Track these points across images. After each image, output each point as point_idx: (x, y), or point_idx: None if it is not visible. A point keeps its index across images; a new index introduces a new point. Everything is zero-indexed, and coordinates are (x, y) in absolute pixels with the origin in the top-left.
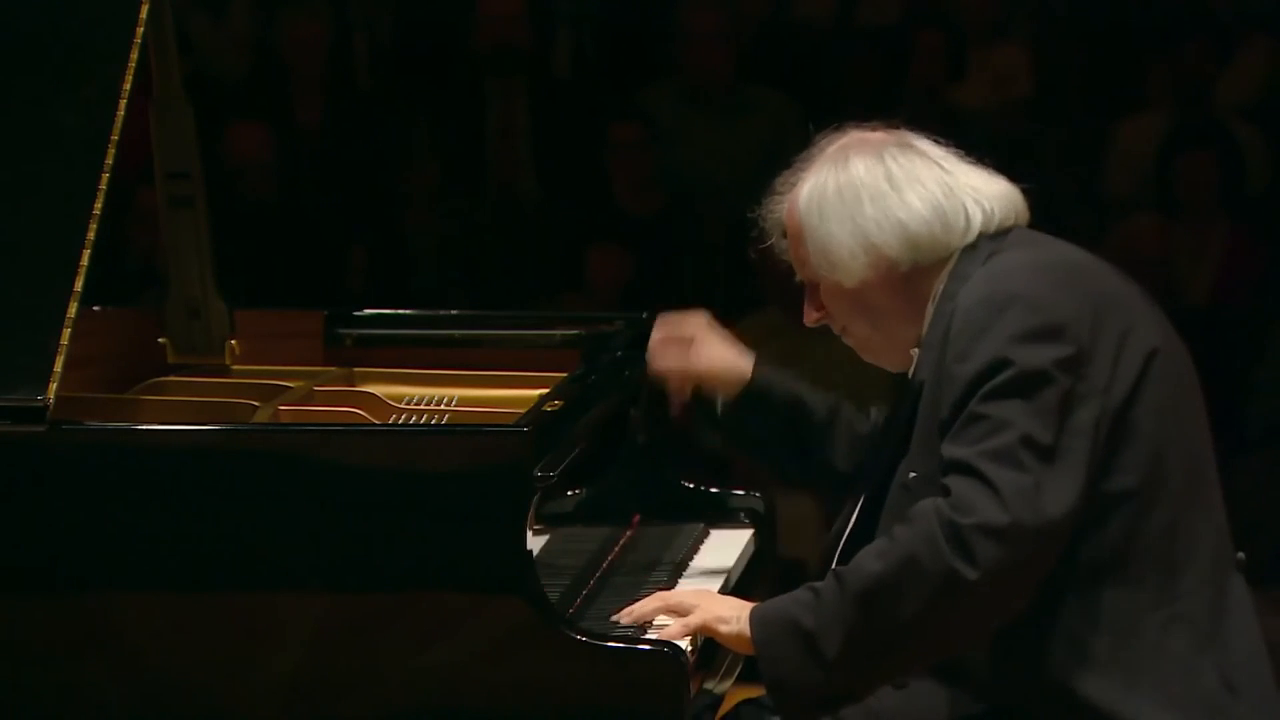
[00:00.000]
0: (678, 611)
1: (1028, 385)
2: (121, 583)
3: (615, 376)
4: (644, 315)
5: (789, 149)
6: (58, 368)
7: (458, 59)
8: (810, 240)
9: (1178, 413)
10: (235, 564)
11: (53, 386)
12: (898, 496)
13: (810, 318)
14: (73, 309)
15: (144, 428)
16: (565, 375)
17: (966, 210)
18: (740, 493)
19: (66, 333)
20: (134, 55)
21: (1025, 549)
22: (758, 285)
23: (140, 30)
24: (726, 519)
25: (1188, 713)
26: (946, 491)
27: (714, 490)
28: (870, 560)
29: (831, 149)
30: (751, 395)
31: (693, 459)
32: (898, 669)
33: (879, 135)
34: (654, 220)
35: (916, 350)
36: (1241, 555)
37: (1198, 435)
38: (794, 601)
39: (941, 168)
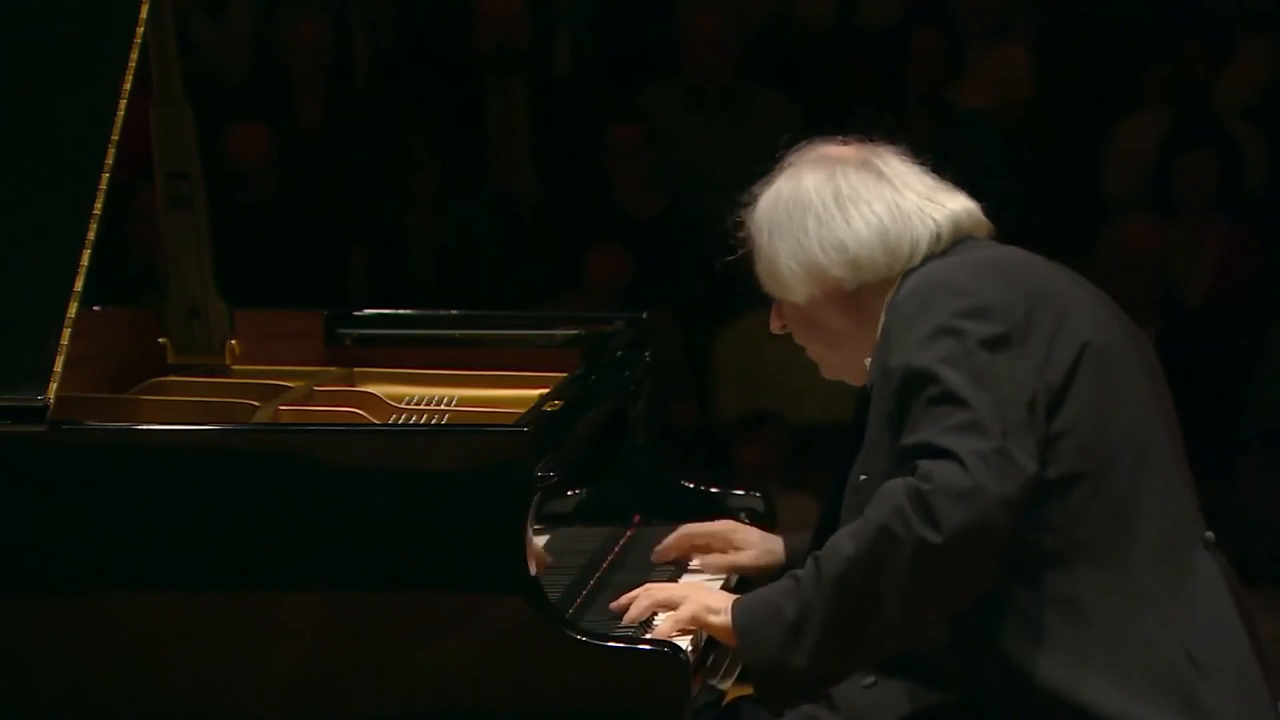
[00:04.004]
0: (668, 606)
1: (968, 364)
2: (122, 583)
3: (615, 376)
4: (644, 315)
5: (789, 149)
6: (58, 368)
7: (458, 59)
8: (759, 255)
9: (1116, 402)
10: (235, 564)
11: (53, 386)
12: (850, 499)
13: (775, 325)
14: (73, 309)
15: (144, 428)
16: (565, 375)
17: (913, 234)
18: (740, 493)
19: (66, 333)
20: (134, 55)
21: (988, 510)
22: (758, 286)
23: (140, 30)
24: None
25: (1149, 692)
26: (914, 468)
27: (714, 490)
28: (844, 541)
29: (793, 162)
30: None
31: (693, 459)
32: (876, 649)
33: (840, 150)
34: (654, 220)
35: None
36: (1210, 535)
37: (1145, 420)
38: (776, 590)
39: (894, 187)
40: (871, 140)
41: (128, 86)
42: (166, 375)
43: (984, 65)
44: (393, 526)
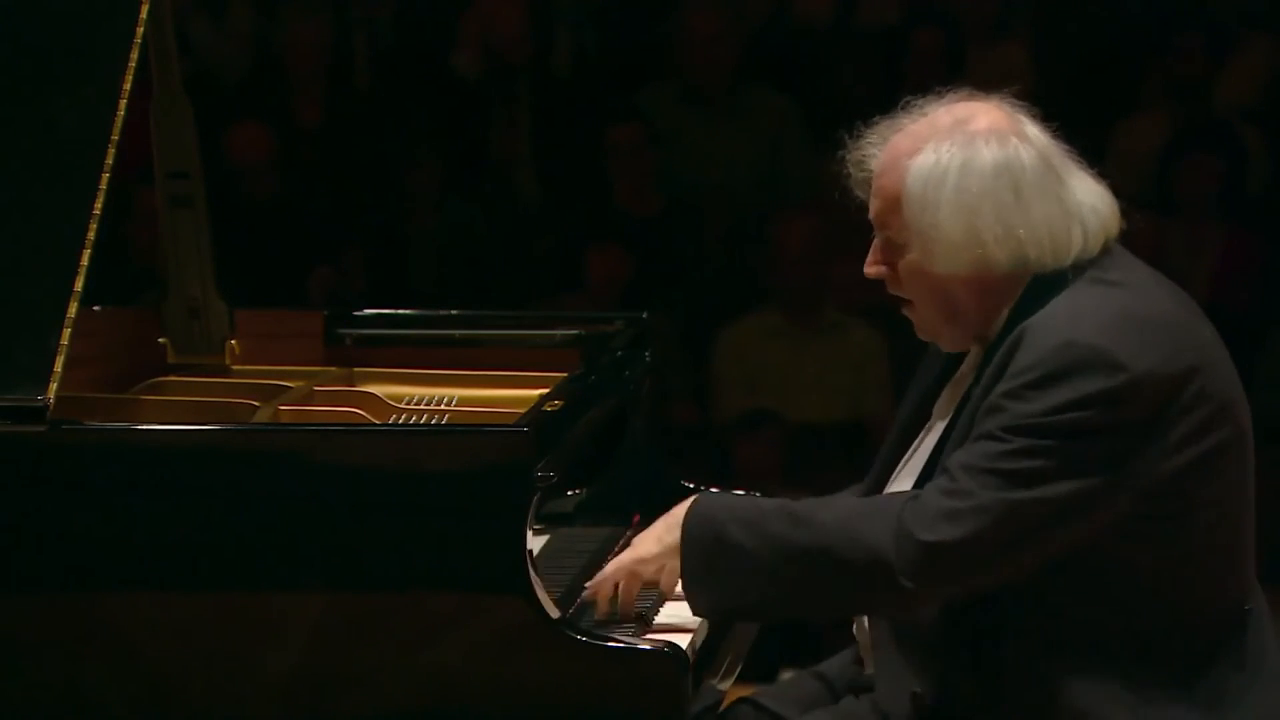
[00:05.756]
0: (614, 581)
1: (1074, 455)
2: (121, 583)
3: (615, 376)
4: (644, 315)
5: (789, 149)
6: (58, 368)
7: (458, 60)
8: (914, 219)
9: (1235, 471)
10: (235, 564)
11: (53, 386)
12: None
13: (872, 269)
14: (73, 309)
15: (144, 428)
16: (565, 375)
17: (1073, 236)
18: (740, 493)
19: (66, 333)
20: (134, 55)
21: (965, 569)
22: (758, 285)
23: (140, 30)
24: None
25: None
26: (919, 493)
27: (714, 490)
28: (827, 525)
29: (951, 118)
30: None
31: (693, 459)
32: (802, 615)
33: (1000, 116)
34: (654, 220)
35: (976, 348)
36: (1249, 608)
37: (1247, 478)
38: (731, 512)
39: (1060, 179)
40: (1008, 100)
41: (128, 86)
42: (166, 375)
43: (984, 65)
44: (393, 526)
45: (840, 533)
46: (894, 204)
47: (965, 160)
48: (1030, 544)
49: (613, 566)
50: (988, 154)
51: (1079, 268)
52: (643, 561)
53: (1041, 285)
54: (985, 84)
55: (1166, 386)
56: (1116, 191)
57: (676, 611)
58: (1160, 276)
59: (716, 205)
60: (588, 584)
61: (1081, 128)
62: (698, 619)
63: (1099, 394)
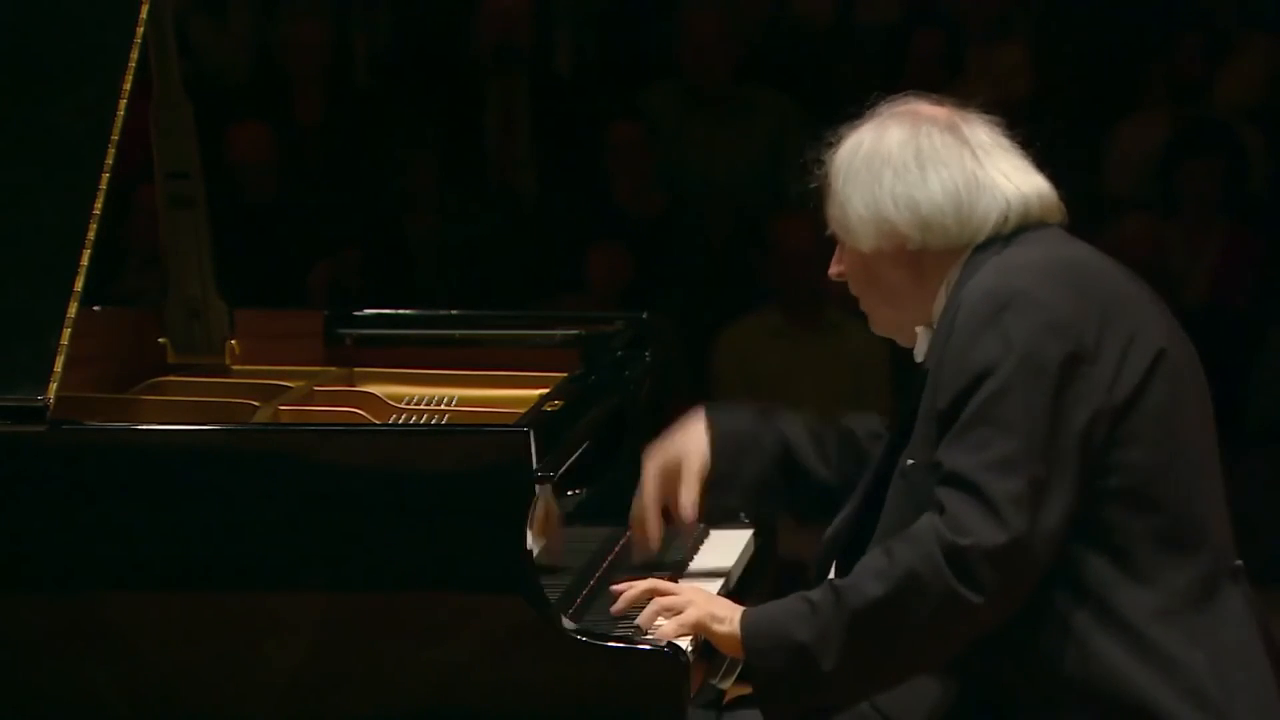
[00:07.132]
0: (671, 610)
1: (1028, 386)
2: (121, 583)
3: (615, 376)
4: (644, 315)
5: (789, 149)
6: (58, 368)
7: (458, 59)
8: (832, 198)
9: (1182, 414)
10: (235, 564)
11: (53, 386)
12: (897, 484)
13: (833, 269)
14: (73, 309)
15: (144, 428)
16: (565, 375)
17: (984, 207)
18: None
19: (66, 333)
20: (134, 55)
21: (1025, 563)
22: (758, 285)
23: (140, 30)
24: (726, 519)
25: (1179, 701)
26: (941, 505)
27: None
28: (869, 581)
29: (887, 111)
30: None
31: None
32: (890, 682)
33: (930, 110)
34: (654, 220)
35: (921, 329)
36: (1240, 563)
37: (1201, 436)
38: (787, 613)
39: (976, 157)
40: (966, 106)
41: (128, 86)
42: (166, 375)
43: (984, 65)
44: (393, 526)
45: (886, 580)
46: (831, 195)
47: (874, 138)
48: (1068, 478)
49: (685, 600)
50: (895, 131)
51: (1009, 238)
52: (718, 620)
53: (971, 264)
54: (985, 84)
55: (1092, 318)
56: (1116, 192)
57: None
58: (1089, 246)
59: (716, 205)
60: (639, 593)
61: (1081, 128)
62: None
63: (1031, 327)
